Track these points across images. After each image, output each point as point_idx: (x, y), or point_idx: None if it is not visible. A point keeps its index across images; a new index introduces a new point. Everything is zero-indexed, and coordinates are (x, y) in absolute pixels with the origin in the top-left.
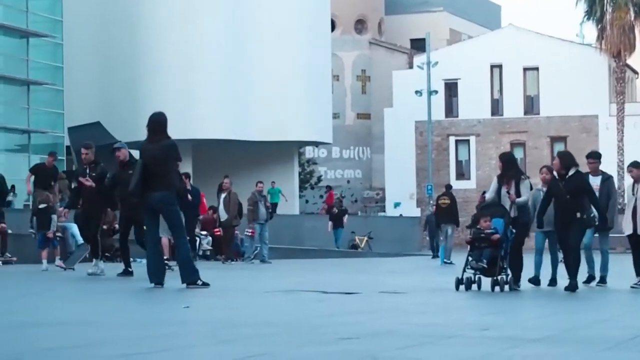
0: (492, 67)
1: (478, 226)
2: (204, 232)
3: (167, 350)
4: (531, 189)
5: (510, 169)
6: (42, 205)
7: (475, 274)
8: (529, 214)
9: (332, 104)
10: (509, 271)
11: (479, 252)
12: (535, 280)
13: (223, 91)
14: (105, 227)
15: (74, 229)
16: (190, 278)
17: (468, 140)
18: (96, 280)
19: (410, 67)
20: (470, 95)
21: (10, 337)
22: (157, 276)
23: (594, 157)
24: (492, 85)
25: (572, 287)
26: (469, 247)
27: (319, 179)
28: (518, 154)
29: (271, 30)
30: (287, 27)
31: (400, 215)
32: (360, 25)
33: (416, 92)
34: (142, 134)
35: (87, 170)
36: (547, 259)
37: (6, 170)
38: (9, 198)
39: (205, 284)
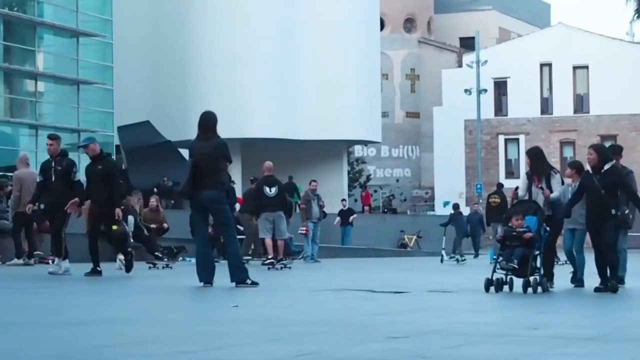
0: (541, 65)
1: (510, 224)
2: None
3: (216, 349)
4: (562, 183)
5: (539, 164)
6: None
7: (506, 275)
8: (560, 209)
9: (381, 102)
10: (542, 271)
11: (509, 251)
12: (579, 281)
13: (272, 90)
14: (154, 226)
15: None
16: (240, 277)
17: (517, 139)
18: (146, 279)
19: (460, 65)
20: (519, 94)
21: (60, 335)
22: (206, 275)
23: (616, 151)
24: (542, 84)
25: (613, 288)
26: (499, 245)
27: (368, 178)
28: (567, 152)
29: (320, 29)
30: (337, 26)
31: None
32: (409, 24)
33: (465, 90)
34: (191, 133)
35: (53, 164)
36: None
37: None
38: None
39: (254, 283)
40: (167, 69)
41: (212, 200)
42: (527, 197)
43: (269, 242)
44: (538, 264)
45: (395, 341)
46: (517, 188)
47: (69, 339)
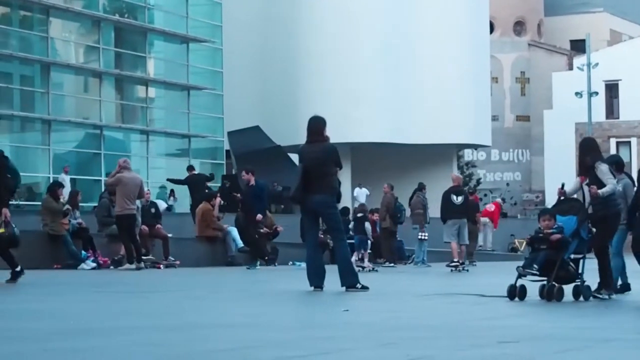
0: None
1: (539, 225)
2: None
3: (327, 353)
4: (614, 176)
5: (586, 157)
6: (359, 214)
7: (547, 282)
8: (613, 206)
9: (491, 106)
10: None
11: (533, 255)
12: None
13: (382, 94)
14: (264, 230)
15: (235, 232)
16: (350, 281)
17: (629, 142)
18: (258, 283)
19: (570, 68)
20: (631, 96)
21: (171, 339)
22: (316, 279)
23: None
24: None
25: None
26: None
27: (478, 182)
28: None
29: (430, 33)
30: (446, 30)
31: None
32: (519, 27)
33: (576, 93)
34: (301, 138)
35: None
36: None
37: (167, 175)
38: (170, 202)
39: (364, 287)
40: (276, 74)
41: (322, 205)
42: (575, 195)
43: (454, 246)
44: (580, 269)
45: (505, 346)
46: (563, 185)
47: (180, 344)
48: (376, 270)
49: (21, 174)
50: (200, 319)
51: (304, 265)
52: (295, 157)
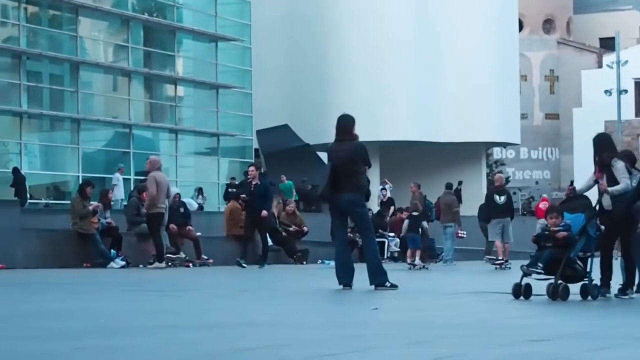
0: None
1: (546, 223)
2: (391, 234)
3: (355, 352)
4: (630, 173)
5: (602, 153)
6: (415, 213)
7: (555, 279)
8: (629, 205)
9: (519, 104)
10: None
11: (538, 253)
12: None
13: (411, 93)
14: (291, 229)
15: None
16: (379, 280)
17: None
18: (286, 282)
19: (600, 66)
20: None
21: (200, 338)
22: (345, 278)
23: None
24: None
25: None
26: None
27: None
28: None
29: (459, 31)
30: (475, 28)
31: None
32: (548, 24)
33: (605, 91)
34: (330, 136)
35: None
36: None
37: (196, 173)
38: (199, 201)
39: (393, 286)
40: (305, 73)
41: (351, 204)
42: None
43: (499, 244)
44: (587, 268)
45: (536, 344)
46: (572, 182)
47: (209, 342)
48: (427, 268)
49: (50, 172)
50: (229, 317)
51: (333, 263)
52: (324, 156)
